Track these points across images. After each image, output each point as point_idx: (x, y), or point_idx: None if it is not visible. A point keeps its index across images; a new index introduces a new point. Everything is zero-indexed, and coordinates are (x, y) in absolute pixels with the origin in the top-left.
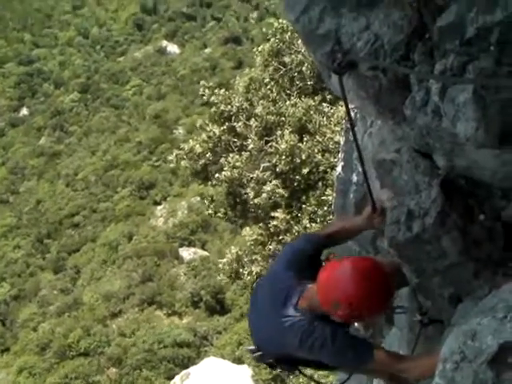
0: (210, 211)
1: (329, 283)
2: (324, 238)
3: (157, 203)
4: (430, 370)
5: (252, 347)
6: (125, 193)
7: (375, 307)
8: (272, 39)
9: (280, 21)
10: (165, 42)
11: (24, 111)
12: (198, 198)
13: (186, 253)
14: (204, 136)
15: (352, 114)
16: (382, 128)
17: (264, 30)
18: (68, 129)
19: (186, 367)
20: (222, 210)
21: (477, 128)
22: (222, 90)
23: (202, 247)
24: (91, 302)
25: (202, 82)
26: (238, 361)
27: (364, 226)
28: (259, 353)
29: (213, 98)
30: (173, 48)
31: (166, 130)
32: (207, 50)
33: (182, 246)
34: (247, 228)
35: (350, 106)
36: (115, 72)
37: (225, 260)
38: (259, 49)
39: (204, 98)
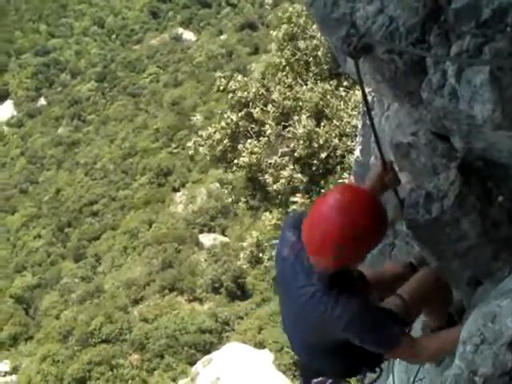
0: (232, 199)
1: (318, 223)
2: None
3: (176, 190)
4: (444, 349)
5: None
6: (143, 180)
7: (376, 234)
8: (286, 24)
9: (294, 5)
10: (180, 30)
11: (42, 101)
12: (217, 184)
13: (206, 239)
14: (222, 123)
15: (369, 97)
16: (398, 111)
17: (280, 14)
18: (86, 118)
19: (208, 353)
20: (243, 198)
21: (493, 110)
22: (240, 77)
23: (222, 233)
24: (112, 289)
25: (218, 74)
26: (260, 345)
27: (375, 187)
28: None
29: (230, 84)
30: (188, 35)
31: (184, 117)
32: (223, 37)
33: (201, 232)
34: (267, 213)
35: (367, 90)
36: (131, 60)
37: (245, 244)
38: (274, 33)
39: (221, 87)
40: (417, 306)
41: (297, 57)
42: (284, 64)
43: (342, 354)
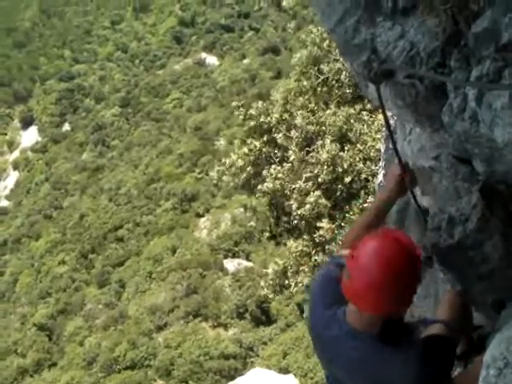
0: (255, 226)
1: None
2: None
3: (200, 215)
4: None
5: None
6: (168, 205)
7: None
8: (309, 47)
9: (318, 28)
10: (204, 54)
11: (66, 127)
12: (241, 209)
13: (231, 264)
14: (245, 149)
15: (391, 121)
16: (420, 135)
17: (303, 36)
18: (110, 143)
19: (233, 378)
20: (268, 228)
21: None
22: (260, 103)
23: (247, 258)
24: (136, 315)
25: (234, 103)
26: (285, 371)
27: (395, 192)
28: None
29: (251, 111)
30: (212, 60)
31: (208, 142)
32: (246, 61)
33: (226, 257)
34: (291, 240)
35: (389, 114)
36: (155, 85)
37: (270, 271)
38: (297, 56)
39: (240, 117)
40: (457, 328)
41: (319, 80)
42: (307, 88)
43: None
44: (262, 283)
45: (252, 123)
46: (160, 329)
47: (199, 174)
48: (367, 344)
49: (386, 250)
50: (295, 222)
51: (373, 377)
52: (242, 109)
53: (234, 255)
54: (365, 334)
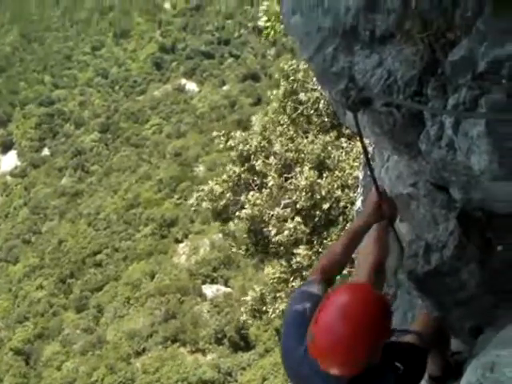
0: (233, 248)
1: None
2: (326, 277)
3: (179, 241)
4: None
5: None
6: (147, 231)
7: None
8: (284, 82)
9: (291, 62)
10: (183, 81)
11: (45, 151)
12: (220, 235)
13: (209, 290)
14: (224, 176)
15: (370, 148)
16: (398, 162)
17: (276, 75)
18: (89, 168)
19: None
20: (244, 246)
21: (490, 161)
22: (238, 132)
23: (225, 284)
24: (115, 340)
25: (215, 133)
26: None
27: (372, 219)
28: None
29: (230, 142)
30: (191, 86)
31: (187, 168)
32: (226, 88)
33: (204, 283)
34: (269, 266)
35: (367, 141)
36: (135, 111)
37: (248, 298)
38: (274, 93)
39: (221, 146)
40: (429, 342)
41: (299, 111)
42: (286, 121)
43: None
44: (242, 309)
45: (233, 153)
46: (138, 354)
47: (178, 199)
48: None
49: (348, 310)
50: (273, 248)
51: None
52: (222, 138)
53: (213, 281)
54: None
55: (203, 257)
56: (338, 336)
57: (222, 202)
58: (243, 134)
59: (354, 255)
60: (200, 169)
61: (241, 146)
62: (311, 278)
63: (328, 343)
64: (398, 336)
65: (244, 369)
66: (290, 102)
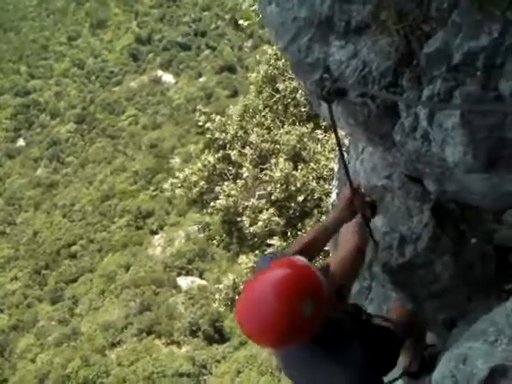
0: (208, 242)
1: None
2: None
3: (154, 232)
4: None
5: None
6: (122, 223)
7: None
8: (265, 66)
9: (274, 48)
10: (160, 72)
11: (20, 142)
12: (195, 227)
13: (184, 282)
14: (199, 164)
15: (345, 140)
16: (373, 154)
17: (258, 57)
18: (64, 159)
19: None
20: (218, 237)
21: (465, 153)
22: (218, 117)
23: (200, 276)
24: (89, 332)
25: (199, 107)
26: None
27: (345, 214)
28: None
29: (208, 125)
30: (168, 77)
31: (162, 160)
32: (202, 79)
33: (179, 275)
34: (243, 256)
35: (341, 133)
36: (110, 102)
37: (221, 286)
38: (253, 75)
39: (200, 123)
40: (404, 331)
41: (275, 99)
42: (262, 106)
43: None
44: (216, 296)
45: (208, 136)
46: (113, 346)
47: (154, 191)
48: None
49: (271, 281)
50: (248, 239)
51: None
52: (203, 116)
53: (188, 273)
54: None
55: (178, 249)
56: (272, 310)
57: (196, 190)
58: (222, 119)
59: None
60: (176, 160)
61: (217, 134)
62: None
63: (255, 320)
64: (375, 321)
65: (219, 361)
66: (267, 89)
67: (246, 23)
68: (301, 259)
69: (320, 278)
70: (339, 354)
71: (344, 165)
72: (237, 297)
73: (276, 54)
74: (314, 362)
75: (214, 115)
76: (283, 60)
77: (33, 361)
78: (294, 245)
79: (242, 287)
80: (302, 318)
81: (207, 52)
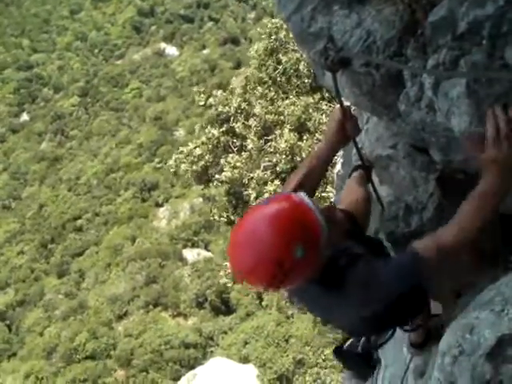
0: (215, 216)
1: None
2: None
3: (159, 205)
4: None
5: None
6: (127, 195)
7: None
8: (266, 39)
9: (274, 20)
10: (163, 44)
11: (24, 117)
12: (201, 199)
13: (190, 254)
14: (203, 138)
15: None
16: (377, 124)
17: (259, 29)
18: (69, 133)
19: (193, 368)
20: (225, 213)
21: (470, 122)
22: (219, 92)
23: (206, 248)
24: (96, 305)
25: (195, 89)
26: (244, 360)
27: (336, 139)
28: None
29: (210, 100)
30: (171, 50)
31: (167, 132)
32: (206, 51)
33: (185, 247)
34: None
35: (346, 103)
36: (114, 75)
37: (227, 262)
38: (254, 48)
39: (200, 103)
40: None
41: (278, 71)
42: (265, 79)
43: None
44: (222, 273)
45: (211, 112)
46: (120, 318)
47: (158, 163)
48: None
49: (266, 214)
50: None
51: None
52: (202, 95)
53: (193, 245)
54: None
55: (183, 221)
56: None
57: (201, 164)
58: (224, 93)
59: None
60: (180, 132)
61: (220, 108)
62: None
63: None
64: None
65: (225, 333)
66: (269, 61)
67: None
68: (300, 195)
69: (317, 217)
70: (344, 285)
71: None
72: None
73: (276, 27)
74: (323, 297)
75: (215, 91)
76: (284, 32)
77: (41, 334)
78: (290, 181)
79: None
80: (291, 260)
81: (210, 24)
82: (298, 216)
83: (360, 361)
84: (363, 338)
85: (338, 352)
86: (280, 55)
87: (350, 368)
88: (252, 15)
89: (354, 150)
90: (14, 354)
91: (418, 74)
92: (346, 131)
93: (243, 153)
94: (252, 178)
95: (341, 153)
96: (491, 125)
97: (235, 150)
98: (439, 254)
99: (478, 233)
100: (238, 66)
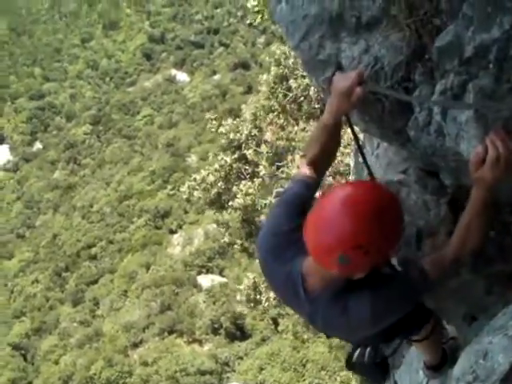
0: (227, 240)
1: (320, 228)
2: (317, 174)
3: (173, 232)
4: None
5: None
6: (140, 222)
7: (391, 239)
8: (275, 67)
9: (282, 47)
10: (174, 71)
11: (37, 145)
12: (214, 225)
13: (205, 280)
14: (216, 165)
15: (360, 135)
16: (388, 149)
17: (267, 58)
18: (81, 161)
19: None
20: (239, 241)
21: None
22: (230, 120)
23: (220, 274)
24: (111, 332)
25: (207, 116)
26: None
27: (343, 106)
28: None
29: (221, 129)
30: (182, 76)
31: (179, 158)
32: (216, 77)
33: (199, 273)
34: None
35: (356, 129)
36: (126, 102)
37: (241, 287)
38: (264, 77)
39: (212, 130)
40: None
41: (288, 98)
42: (276, 107)
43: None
44: (238, 298)
45: (223, 141)
46: (135, 346)
47: (171, 190)
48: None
49: (353, 198)
50: None
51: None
52: (214, 122)
53: (208, 271)
54: (320, 294)
55: (197, 247)
56: (343, 229)
57: (214, 191)
58: (234, 121)
59: None
60: (192, 159)
61: (231, 135)
62: (296, 174)
63: (330, 235)
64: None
65: (241, 358)
66: (279, 89)
67: (257, 21)
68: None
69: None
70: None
71: (361, 153)
72: (258, 296)
73: (285, 54)
74: (330, 306)
75: (225, 119)
76: (293, 59)
77: (56, 362)
78: (306, 162)
79: (262, 286)
80: (370, 244)
81: (221, 49)
82: (395, 206)
83: (373, 369)
84: (369, 348)
85: (350, 365)
86: (290, 82)
87: (363, 375)
88: (262, 39)
89: (365, 174)
90: (30, 383)
91: (425, 103)
92: (354, 99)
93: (255, 179)
94: (265, 204)
95: (352, 177)
96: (492, 147)
97: (247, 176)
98: (443, 269)
99: (480, 242)
100: (248, 90)
